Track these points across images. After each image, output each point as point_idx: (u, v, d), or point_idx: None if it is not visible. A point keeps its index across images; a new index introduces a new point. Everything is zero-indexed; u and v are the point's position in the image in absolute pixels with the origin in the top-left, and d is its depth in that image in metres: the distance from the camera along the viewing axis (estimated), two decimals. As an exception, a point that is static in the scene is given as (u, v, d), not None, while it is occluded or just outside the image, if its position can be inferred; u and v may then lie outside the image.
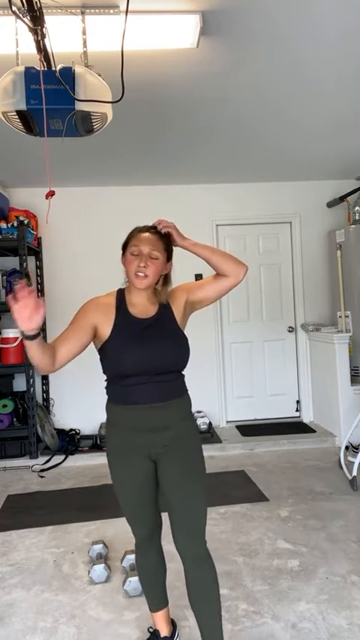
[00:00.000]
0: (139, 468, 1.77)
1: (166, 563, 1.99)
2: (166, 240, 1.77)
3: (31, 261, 4.86)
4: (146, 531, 1.88)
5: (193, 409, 1.91)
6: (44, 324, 4.89)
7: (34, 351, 1.58)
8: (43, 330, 4.86)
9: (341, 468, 3.87)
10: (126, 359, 1.68)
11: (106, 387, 1.81)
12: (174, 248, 1.82)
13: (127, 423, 1.76)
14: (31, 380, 4.37)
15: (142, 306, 1.78)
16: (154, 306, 1.79)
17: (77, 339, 1.72)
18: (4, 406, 4.44)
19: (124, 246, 1.79)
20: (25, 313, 1.51)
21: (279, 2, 2.11)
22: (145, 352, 1.68)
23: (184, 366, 1.79)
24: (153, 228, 1.77)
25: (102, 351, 1.74)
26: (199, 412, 4.83)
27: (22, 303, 1.51)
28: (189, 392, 1.85)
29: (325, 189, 5.22)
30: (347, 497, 3.39)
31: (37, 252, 4.84)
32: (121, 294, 1.82)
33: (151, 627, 2.02)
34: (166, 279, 1.82)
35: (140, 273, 1.71)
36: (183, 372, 1.82)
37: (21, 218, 4.43)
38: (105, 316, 1.75)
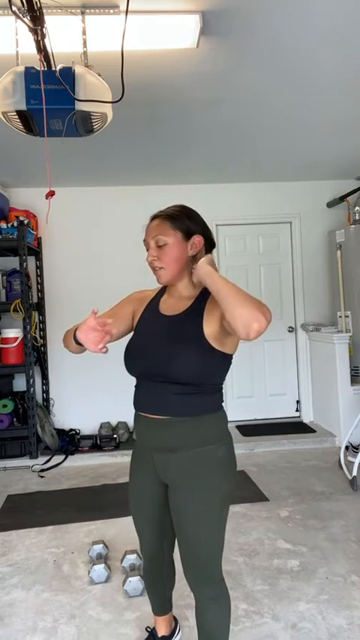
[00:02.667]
0: (147, 489, 1.62)
1: (174, 579, 1.88)
2: (176, 217, 1.54)
3: (31, 261, 4.86)
4: (148, 553, 1.75)
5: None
6: (44, 323, 4.89)
7: (74, 345, 1.47)
8: (42, 330, 4.87)
9: (341, 467, 3.87)
10: (127, 356, 1.58)
11: None
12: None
13: (139, 437, 1.61)
14: (31, 380, 4.37)
15: (174, 300, 1.58)
16: (189, 300, 1.54)
17: (116, 325, 1.58)
18: (4, 406, 4.44)
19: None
20: (91, 335, 1.37)
21: (279, 2, 2.11)
22: (148, 354, 1.51)
23: (202, 381, 1.46)
24: (162, 210, 1.58)
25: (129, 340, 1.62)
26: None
27: (93, 327, 1.37)
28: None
29: (325, 189, 5.22)
30: (347, 497, 3.39)
31: (37, 252, 4.84)
32: (162, 291, 1.67)
33: (149, 627, 2.01)
34: (197, 257, 1.54)
35: (155, 268, 1.53)
36: (217, 388, 1.53)
37: (21, 218, 4.43)
38: (140, 306, 1.65)
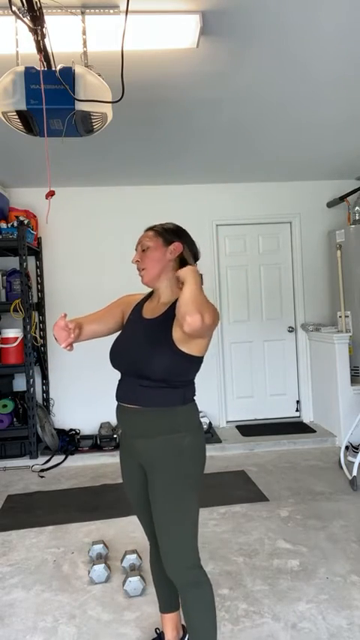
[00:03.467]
0: (132, 472, 1.79)
1: None
2: (159, 229, 1.75)
3: (31, 261, 4.86)
4: (148, 533, 1.87)
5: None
6: (44, 323, 4.89)
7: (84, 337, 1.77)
8: (42, 330, 4.87)
9: (341, 467, 3.87)
10: (111, 353, 1.75)
11: None
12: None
13: (120, 425, 1.79)
14: (31, 380, 4.37)
15: (155, 304, 1.77)
16: (165, 306, 1.71)
17: (105, 322, 1.82)
18: (4, 406, 4.44)
19: None
20: (58, 333, 1.65)
21: (279, 2, 2.11)
22: (125, 352, 1.70)
23: (172, 379, 1.62)
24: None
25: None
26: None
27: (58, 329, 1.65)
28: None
29: (325, 189, 5.22)
30: (347, 497, 3.39)
31: (37, 252, 4.84)
32: (148, 295, 1.86)
33: (158, 628, 2.01)
34: (181, 263, 1.71)
35: (139, 270, 1.75)
36: (186, 383, 1.68)
37: (21, 218, 4.43)
38: (128, 309, 1.84)
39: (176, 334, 1.62)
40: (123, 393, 1.72)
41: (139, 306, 1.81)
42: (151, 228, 1.78)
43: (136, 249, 1.77)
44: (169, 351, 1.61)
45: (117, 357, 1.73)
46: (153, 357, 1.62)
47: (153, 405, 1.65)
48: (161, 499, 1.64)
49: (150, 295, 1.84)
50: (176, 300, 1.64)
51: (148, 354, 1.63)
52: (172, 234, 1.74)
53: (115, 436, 4.59)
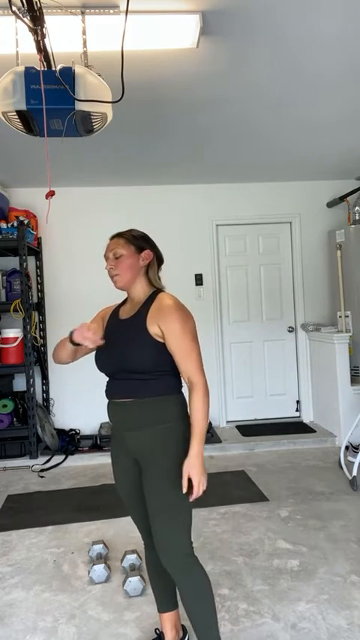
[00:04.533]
0: (125, 466, 1.83)
1: None
2: (129, 236, 1.83)
3: (31, 261, 4.86)
4: (142, 530, 1.89)
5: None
6: (44, 323, 4.89)
7: (67, 352, 1.82)
8: (42, 330, 4.87)
9: (341, 467, 3.87)
10: (96, 359, 1.83)
11: None
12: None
13: (112, 421, 1.84)
14: (31, 380, 4.37)
15: (129, 305, 1.87)
16: (138, 305, 1.83)
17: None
18: (4, 406, 4.44)
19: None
20: (86, 334, 1.69)
21: (279, 2, 2.11)
22: (109, 351, 1.77)
23: (153, 369, 1.72)
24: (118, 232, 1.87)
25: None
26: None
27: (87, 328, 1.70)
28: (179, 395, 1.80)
29: (325, 189, 5.22)
30: (347, 497, 3.39)
31: (37, 252, 4.84)
32: (124, 301, 1.94)
33: (158, 628, 2.01)
34: (151, 266, 1.86)
35: (113, 276, 1.83)
36: (168, 373, 1.76)
37: (21, 218, 4.43)
38: (103, 322, 1.93)
39: (153, 329, 1.73)
40: (112, 389, 1.80)
41: (115, 312, 1.91)
42: (119, 235, 1.85)
43: (105, 256, 1.85)
44: (146, 344, 1.72)
45: (101, 358, 1.81)
46: (134, 350, 1.72)
47: (142, 395, 1.72)
48: (157, 488, 1.70)
49: (124, 301, 1.94)
50: (148, 298, 1.81)
51: (129, 348, 1.73)
52: (142, 241, 1.85)
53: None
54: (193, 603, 1.72)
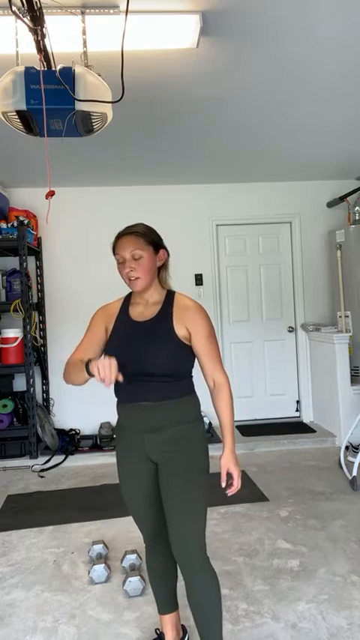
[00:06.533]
0: (139, 468, 1.78)
1: (176, 566, 1.92)
2: (147, 234, 1.74)
3: (31, 261, 4.85)
4: (149, 532, 1.87)
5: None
6: (44, 323, 4.89)
7: (84, 378, 1.66)
8: (42, 330, 4.87)
9: (341, 468, 3.87)
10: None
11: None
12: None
13: (126, 422, 1.80)
14: (31, 380, 4.37)
15: (142, 307, 1.80)
16: (156, 306, 1.77)
17: (97, 344, 1.81)
18: (4, 406, 4.44)
19: (114, 253, 1.79)
20: (108, 373, 1.56)
21: (279, 3, 2.11)
22: (129, 354, 1.69)
23: (176, 371, 1.71)
24: (129, 227, 1.76)
25: (104, 351, 1.81)
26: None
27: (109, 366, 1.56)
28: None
29: (325, 189, 5.22)
30: (347, 497, 3.39)
31: (37, 252, 4.84)
32: (127, 298, 1.88)
33: (158, 628, 2.01)
34: (163, 266, 1.82)
35: (132, 278, 1.74)
36: (188, 374, 1.78)
37: (21, 218, 4.43)
38: (111, 319, 1.83)
39: (180, 331, 1.71)
40: (130, 393, 1.73)
41: (124, 312, 1.82)
42: (135, 234, 1.73)
43: (120, 256, 1.73)
44: (172, 346, 1.69)
45: (121, 364, 1.68)
46: (159, 353, 1.68)
47: (167, 397, 1.70)
48: (181, 488, 1.68)
49: (127, 300, 1.86)
50: (166, 299, 1.77)
51: (152, 351, 1.68)
52: (158, 239, 1.79)
53: (115, 436, 4.59)
54: (204, 603, 1.72)
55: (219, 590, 1.74)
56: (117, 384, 1.75)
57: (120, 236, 1.76)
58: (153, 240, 1.76)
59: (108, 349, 1.77)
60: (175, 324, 1.72)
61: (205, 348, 1.73)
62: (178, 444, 1.71)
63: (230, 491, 1.71)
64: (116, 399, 1.82)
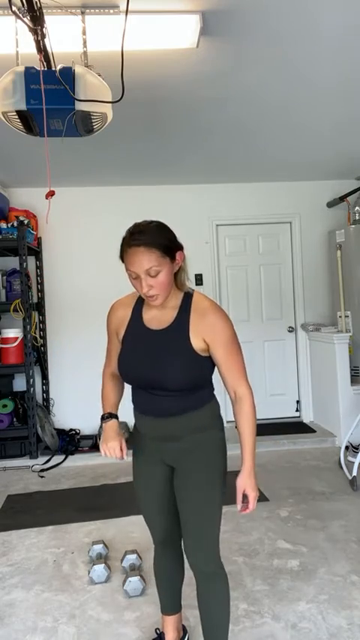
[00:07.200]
0: (154, 472, 1.74)
1: (183, 570, 1.93)
2: (161, 243, 1.51)
3: (31, 261, 4.85)
4: (160, 537, 1.84)
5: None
6: (44, 323, 4.89)
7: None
8: (42, 330, 4.87)
9: (341, 468, 3.87)
10: (125, 371, 1.67)
11: None
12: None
13: (143, 430, 1.74)
14: (31, 380, 4.36)
15: (158, 312, 1.65)
16: (172, 311, 1.62)
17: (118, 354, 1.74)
18: (4, 406, 4.44)
19: (122, 259, 1.58)
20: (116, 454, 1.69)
21: (279, 3, 2.11)
22: (144, 368, 1.60)
23: (195, 384, 1.60)
24: (139, 234, 1.51)
25: (118, 360, 1.72)
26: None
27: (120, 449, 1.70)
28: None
29: (325, 189, 5.22)
30: (347, 497, 3.39)
31: (37, 252, 4.84)
32: (141, 298, 1.69)
33: (158, 628, 2.01)
34: (180, 268, 1.63)
35: (149, 296, 1.56)
36: (208, 384, 1.69)
37: (21, 218, 4.43)
38: (121, 322, 1.71)
39: (197, 344, 1.57)
40: (145, 407, 1.67)
41: (137, 315, 1.68)
42: (151, 246, 1.49)
43: (132, 272, 1.53)
44: (189, 359, 1.57)
45: (131, 373, 1.65)
46: (173, 369, 1.56)
47: (182, 412, 1.62)
48: (199, 494, 1.64)
49: (142, 299, 1.68)
50: (183, 303, 1.62)
51: (166, 366, 1.56)
52: (173, 242, 1.57)
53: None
54: (214, 608, 1.71)
55: (228, 597, 1.74)
56: (134, 394, 1.72)
57: (130, 245, 1.52)
58: (168, 247, 1.53)
59: (120, 360, 1.67)
60: (191, 335, 1.57)
61: (224, 358, 1.58)
62: (195, 449, 1.66)
63: (244, 511, 1.64)
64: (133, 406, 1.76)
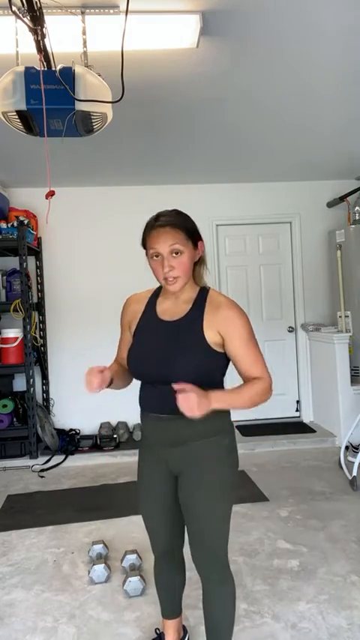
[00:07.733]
0: (162, 481, 1.69)
1: (185, 577, 1.92)
2: (186, 226, 1.55)
3: (31, 261, 4.85)
4: (161, 548, 1.80)
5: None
6: (44, 323, 4.89)
7: (115, 387, 1.65)
8: (42, 330, 4.87)
9: (341, 467, 3.87)
10: (135, 363, 1.63)
11: None
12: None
13: (148, 434, 1.70)
14: (31, 380, 4.36)
15: (172, 304, 1.63)
16: (187, 304, 1.60)
17: (128, 346, 1.70)
18: (4, 406, 4.44)
19: (143, 245, 1.59)
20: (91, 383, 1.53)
21: (279, 3, 2.11)
22: (151, 358, 1.56)
23: (205, 381, 1.49)
24: (164, 217, 1.57)
25: (128, 351, 1.69)
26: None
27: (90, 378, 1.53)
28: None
29: (325, 189, 5.22)
30: (347, 497, 3.39)
31: (37, 252, 4.84)
32: (156, 292, 1.71)
33: (158, 628, 2.01)
34: (200, 260, 1.63)
35: (169, 279, 1.54)
36: (219, 384, 1.60)
37: (21, 218, 4.42)
38: (135, 315, 1.70)
39: (211, 337, 1.53)
40: (153, 403, 1.61)
41: (151, 307, 1.66)
42: (177, 226, 1.53)
43: (155, 251, 1.53)
44: (202, 353, 1.52)
45: (141, 366, 1.61)
46: (184, 362, 1.52)
47: None
48: (206, 500, 1.58)
49: (157, 292, 1.70)
50: (198, 297, 1.60)
51: (178, 359, 1.52)
52: (196, 229, 1.60)
53: (115, 436, 4.60)
54: (219, 615, 1.69)
55: (234, 604, 1.72)
56: (141, 390, 1.68)
57: (157, 225, 1.55)
58: (192, 232, 1.56)
59: (131, 351, 1.64)
60: (205, 327, 1.54)
61: (244, 354, 1.53)
62: (204, 454, 1.59)
63: (180, 399, 1.39)
64: (140, 408, 1.71)
